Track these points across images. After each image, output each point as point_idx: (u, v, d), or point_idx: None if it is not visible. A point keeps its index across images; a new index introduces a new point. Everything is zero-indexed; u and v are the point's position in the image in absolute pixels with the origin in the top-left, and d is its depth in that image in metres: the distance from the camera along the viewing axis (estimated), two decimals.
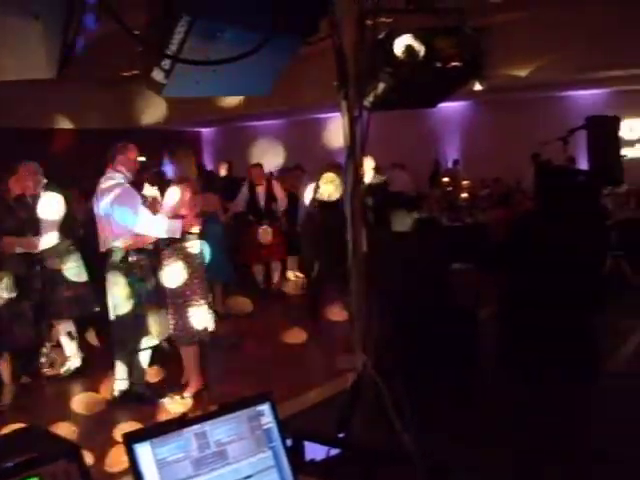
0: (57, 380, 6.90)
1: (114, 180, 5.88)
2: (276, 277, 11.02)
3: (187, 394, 6.12)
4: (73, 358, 7.02)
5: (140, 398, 6.06)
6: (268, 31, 2.07)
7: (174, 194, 5.92)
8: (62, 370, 6.98)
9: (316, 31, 2.56)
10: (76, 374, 6.96)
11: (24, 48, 1.85)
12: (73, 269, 6.88)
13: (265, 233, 10.36)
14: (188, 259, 5.95)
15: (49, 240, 6.63)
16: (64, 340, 7.00)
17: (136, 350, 6.00)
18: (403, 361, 5.29)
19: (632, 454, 4.48)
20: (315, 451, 2.37)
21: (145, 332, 5.96)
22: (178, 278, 5.88)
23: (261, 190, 10.65)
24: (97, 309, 6.90)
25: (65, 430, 5.23)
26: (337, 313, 7.97)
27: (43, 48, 1.86)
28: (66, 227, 6.85)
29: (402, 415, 3.26)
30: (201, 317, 5.99)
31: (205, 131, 23.48)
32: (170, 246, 5.92)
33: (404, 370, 4.30)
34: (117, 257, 5.85)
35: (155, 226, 5.84)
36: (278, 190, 10.87)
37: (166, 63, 2.19)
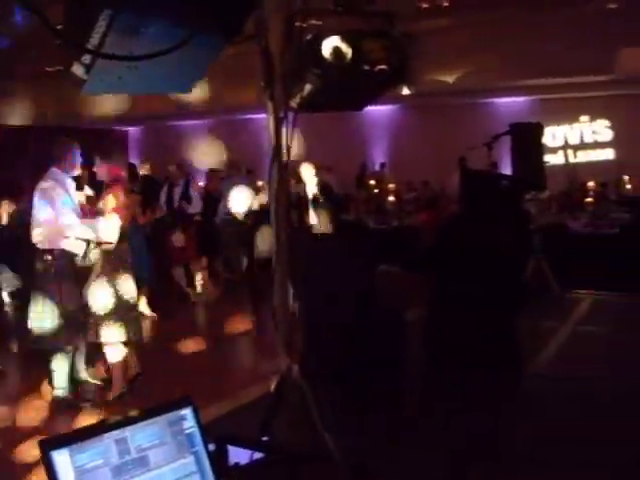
0: None
1: (59, 180, 5.86)
2: (198, 278, 10.87)
3: (110, 397, 6.01)
4: None
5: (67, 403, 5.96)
6: (192, 28, 2.02)
7: (114, 195, 5.93)
8: None
9: (241, 31, 2.52)
10: None
11: None
12: None
13: (177, 237, 10.28)
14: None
15: None
16: None
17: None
18: (329, 363, 5.31)
19: (557, 455, 4.57)
20: (239, 455, 2.35)
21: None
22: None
23: (177, 191, 10.57)
24: None
25: None
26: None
27: None
28: None
29: (325, 416, 3.25)
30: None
31: (132, 130, 23.12)
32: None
33: (331, 372, 4.30)
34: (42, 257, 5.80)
35: (86, 230, 5.81)
36: (193, 190, 10.81)
37: (86, 58, 2.13)
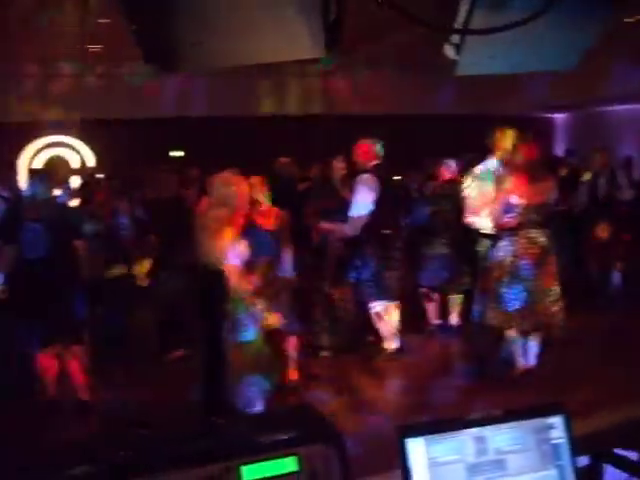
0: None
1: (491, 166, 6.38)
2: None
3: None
4: (388, 339, 7.11)
5: None
6: None
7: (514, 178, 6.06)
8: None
9: None
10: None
11: (287, 24, 1.80)
12: None
13: (601, 230, 9.53)
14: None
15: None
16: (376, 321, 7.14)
17: None
18: None
19: None
20: (615, 476, 2.12)
21: None
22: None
23: (603, 179, 9.86)
24: None
25: None
26: None
27: (305, 23, 1.79)
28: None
29: None
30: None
31: (558, 117, 22.53)
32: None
33: None
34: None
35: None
36: (622, 178, 9.96)
37: (455, 37, 2.08)
